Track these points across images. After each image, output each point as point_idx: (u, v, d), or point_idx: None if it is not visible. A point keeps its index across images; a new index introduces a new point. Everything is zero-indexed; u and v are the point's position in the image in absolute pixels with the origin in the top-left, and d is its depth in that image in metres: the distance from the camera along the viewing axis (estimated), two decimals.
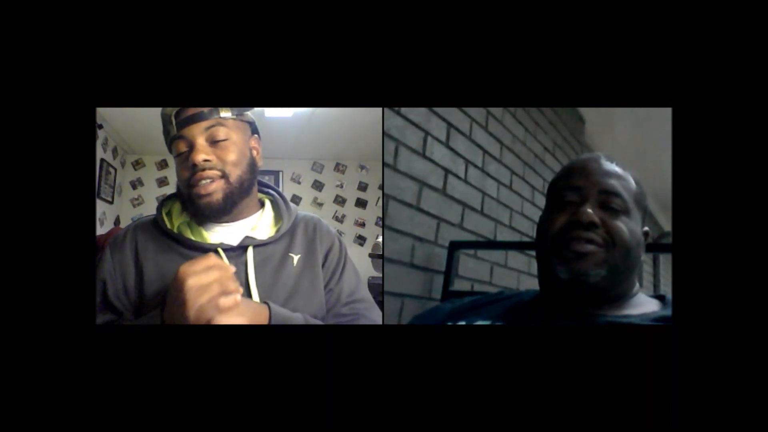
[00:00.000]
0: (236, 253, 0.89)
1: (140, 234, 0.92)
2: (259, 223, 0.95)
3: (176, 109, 0.89)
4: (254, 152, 0.95)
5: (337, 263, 0.97)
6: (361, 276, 1.02)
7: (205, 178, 0.87)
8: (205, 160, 0.87)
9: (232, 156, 0.89)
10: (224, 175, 0.88)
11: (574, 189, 0.83)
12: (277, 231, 0.94)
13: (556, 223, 0.82)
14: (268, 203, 1.00)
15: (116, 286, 0.88)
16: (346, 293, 0.96)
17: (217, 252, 0.88)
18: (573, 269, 0.78)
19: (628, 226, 0.80)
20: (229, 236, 0.92)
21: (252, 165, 0.94)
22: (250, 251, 0.90)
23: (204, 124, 0.88)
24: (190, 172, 0.87)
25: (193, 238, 0.90)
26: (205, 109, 0.88)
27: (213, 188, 0.87)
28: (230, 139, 0.90)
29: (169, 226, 0.92)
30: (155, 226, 0.93)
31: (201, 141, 0.88)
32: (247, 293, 0.87)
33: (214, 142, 0.88)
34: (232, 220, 0.93)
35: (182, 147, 0.89)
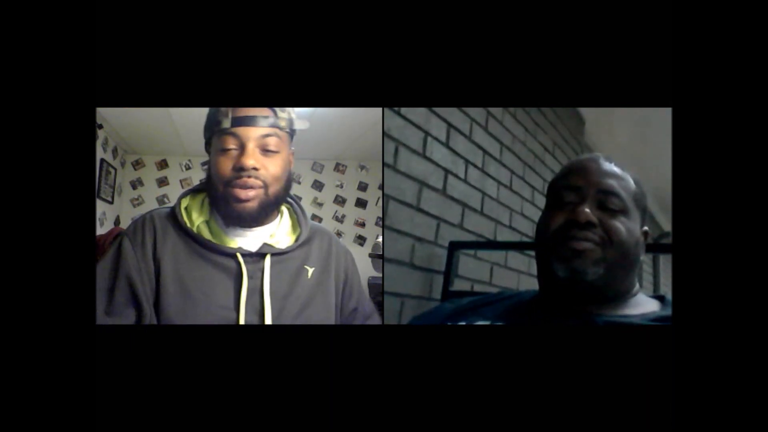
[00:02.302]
0: (254, 259, 0.89)
1: (159, 227, 0.89)
2: (277, 231, 0.95)
3: None
4: (290, 165, 0.95)
5: (354, 280, 1.00)
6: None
7: (247, 186, 0.86)
8: (255, 168, 0.86)
9: (278, 170, 0.89)
10: (265, 186, 0.88)
11: (572, 189, 0.83)
12: (296, 241, 0.94)
13: (555, 222, 0.82)
14: (285, 211, 0.99)
15: (143, 282, 0.85)
16: (369, 310, 1.01)
17: (235, 257, 0.88)
18: (570, 267, 0.79)
19: (626, 226, 0.81)
20: (248, 242, 0.91)
21: (289, 180, 0.94)
22: (267, 259, 0.90)
23: (262, 130, 0.87)
24: (234, 173, 0.86)
25: (212, 239, 0.89)
26: (267, 116, 0.88)
27: (253, 195, 0.87)
28: (280, 152, 0.89)
29: (188, 224, 0.90)
30: (173, 221, 0.90)
31: (253, 146, 0.87)
32: (260, 301, 0.87)
33: (264, 151, 0.88)
34: (255, 227, 0.92)
35: (231, 144, 0.87)
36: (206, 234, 0.90)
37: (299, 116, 0.94)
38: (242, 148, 0.87)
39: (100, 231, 3.19)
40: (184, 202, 0.93)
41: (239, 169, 0.86)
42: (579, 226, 0.79)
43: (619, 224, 0.80)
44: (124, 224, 3.64)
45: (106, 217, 3.51)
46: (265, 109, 0.89)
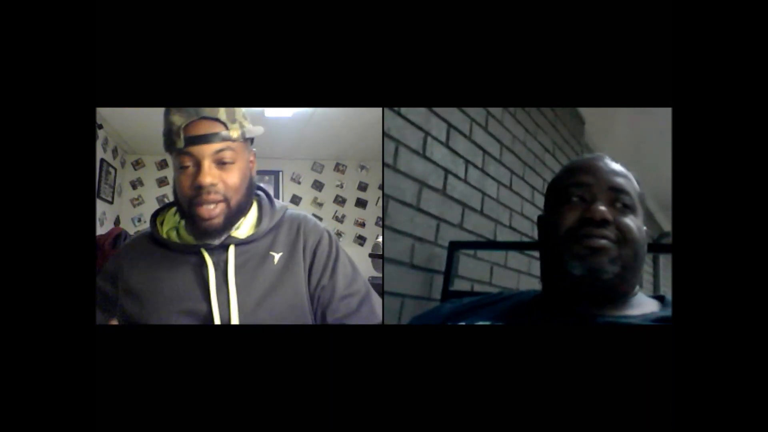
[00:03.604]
0: (218, 252, 0.92)
1: (135, 244, 0.99)
2: (243, 224, 0.96)
3: (185, 121, 0.87)
4: (252, 168, 0.97)
5: (328, 258, 0.96)
6: (358, 268, 1.00)
7: (209, 202, 0.88)
8: (212, 184, 0.88)
9: (236, 180, 0.91)
10: (226, 200, 0.90)
11: (582, 186, 0.83)
12: (258, 229, 0.95)
13: (567, 220, 0.81)
14: (254, 205, 1.00)
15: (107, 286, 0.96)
16: (342, 287, 0.95)
17: (200, 252, 0.91)
18: (587, 265, 0.78)
19: (636, 224, 0.81)
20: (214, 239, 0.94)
21: (250, 186, 0.95)
22: (231, 249, 0.92)
23: (214, 146, 0.88)
24: (195, 192, 0.88)
25: (178, 241, 0.95)
26: (217, 132, 0.88)
27: (216, 212, 0.89)
28: (236, 162, 0.91)
29: (160, 232, 0.96)
30: (150, 238, 0.97)
31: (208, 163, 0.88)
32: (225, 290, 0.89)
33: (220, 164, 0.90)
34: (222, 235, 0.95)
35: (187, 162, 0.89)
36: (174, 238, 0.96)
37: (251, 121, 0.96)
38: (198, 165, 0.88)
39: (100, 231, 3.19)
40: (160, 218, 1.00)
41: (198, 188, 0.88)
42: (594, 224, 0.79)
43: (631, 222, 0.80)
44: (124, 224, 3.64)
45: (106, 217, 3.51)
46: (216, 124, 0.89)
